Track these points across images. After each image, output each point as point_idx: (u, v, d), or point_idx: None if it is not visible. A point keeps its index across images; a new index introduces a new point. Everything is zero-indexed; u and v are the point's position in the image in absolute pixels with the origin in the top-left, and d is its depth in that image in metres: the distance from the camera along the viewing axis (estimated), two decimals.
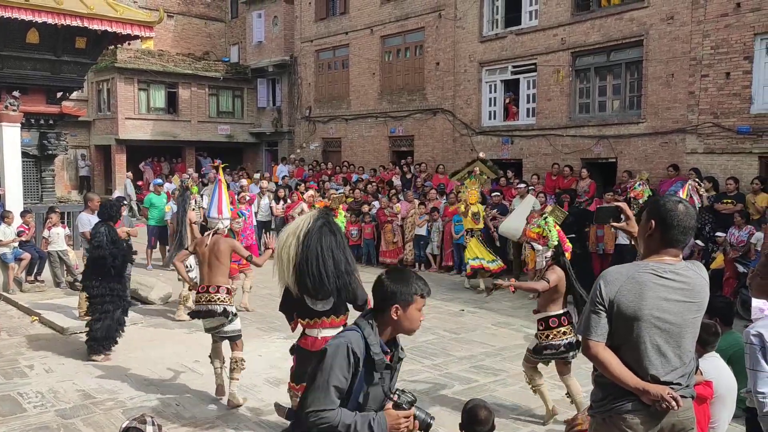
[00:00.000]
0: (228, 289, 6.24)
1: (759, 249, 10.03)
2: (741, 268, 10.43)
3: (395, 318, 2.69)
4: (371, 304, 2.83)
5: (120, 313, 7.65)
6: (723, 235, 10.57)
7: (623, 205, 3.17)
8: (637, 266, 2.88)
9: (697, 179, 10.90)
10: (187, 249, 7.20)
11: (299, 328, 5.00)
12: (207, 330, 6.29)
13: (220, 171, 7.60)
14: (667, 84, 13.45)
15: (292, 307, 4.94)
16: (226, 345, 6.30)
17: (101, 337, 7.43)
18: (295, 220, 5.35)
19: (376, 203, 15.15)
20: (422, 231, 13.98)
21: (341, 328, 4.76)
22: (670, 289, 2.78)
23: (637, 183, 11.74)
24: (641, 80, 14.01)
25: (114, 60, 23.69)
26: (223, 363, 6.28)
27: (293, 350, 5.04)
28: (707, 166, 12.63)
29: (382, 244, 14.63)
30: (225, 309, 6.08)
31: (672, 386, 2.76)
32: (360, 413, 2.59)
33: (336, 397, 2.57)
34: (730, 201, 11.29)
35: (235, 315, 6.23)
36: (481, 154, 14.45)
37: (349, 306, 4.86)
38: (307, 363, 4.96)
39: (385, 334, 2.73)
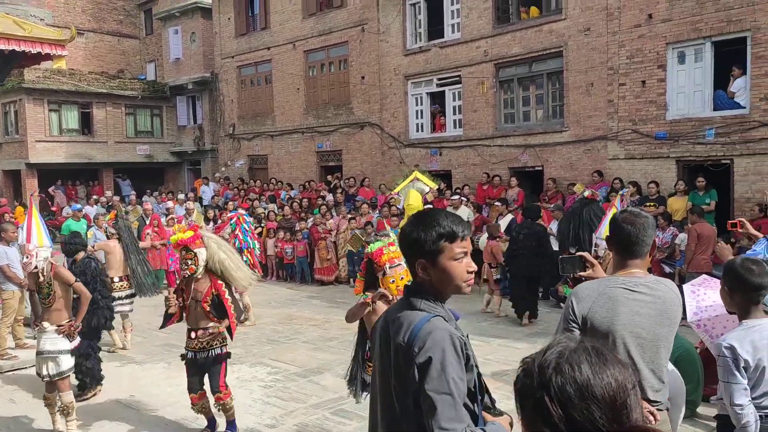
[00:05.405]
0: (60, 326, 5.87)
1: (683, 249, 10.46)
2: (667, 269, 10.84)
3: (425, 277, 2.17)
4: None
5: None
6: None
7: (585, 254, 3.19)
8: (607, 281, 2.86)
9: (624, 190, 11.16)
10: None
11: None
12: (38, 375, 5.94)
13: (33, 200, 7.34)
14: (587, 93, 13.90)
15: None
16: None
17: None
18: (216, 241, 5.75)
19: (310, 221, 14.91)
20: None
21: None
22: (641, 303, 2.76)
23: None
24: (563, 90, 14.43)
25: (21, 80, 22.46)
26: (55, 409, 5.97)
27: (223, 355, 5.72)
28: (629, 172, 13.10)
29: (316, 261, 14.39)
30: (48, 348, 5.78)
31: (652, 403, 2.74)
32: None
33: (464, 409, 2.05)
34: (652, 204, 11.74)
35: (65, 351, 5.85)
36: (416, 166, 14.55)
37: None
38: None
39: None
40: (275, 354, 8.68)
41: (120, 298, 8.80)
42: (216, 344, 5.60)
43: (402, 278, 4.48)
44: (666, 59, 12.61)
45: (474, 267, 2.24)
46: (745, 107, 11.77)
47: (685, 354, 5.45)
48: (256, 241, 11.26)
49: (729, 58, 11.97)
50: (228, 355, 5.73)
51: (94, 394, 7.10)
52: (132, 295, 9.04)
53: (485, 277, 11.05)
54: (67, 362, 5.85)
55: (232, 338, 5.69)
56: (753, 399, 3.09)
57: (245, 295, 10.65)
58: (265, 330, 10.08)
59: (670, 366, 4.70)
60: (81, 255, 7.34)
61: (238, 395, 6.97)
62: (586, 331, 2.76)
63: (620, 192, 9.81)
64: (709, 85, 12.26)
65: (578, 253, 3.21)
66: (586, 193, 9.91)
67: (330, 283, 14.07)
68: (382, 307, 4.02)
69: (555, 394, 1.25)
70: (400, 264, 4.26)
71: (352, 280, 13.94)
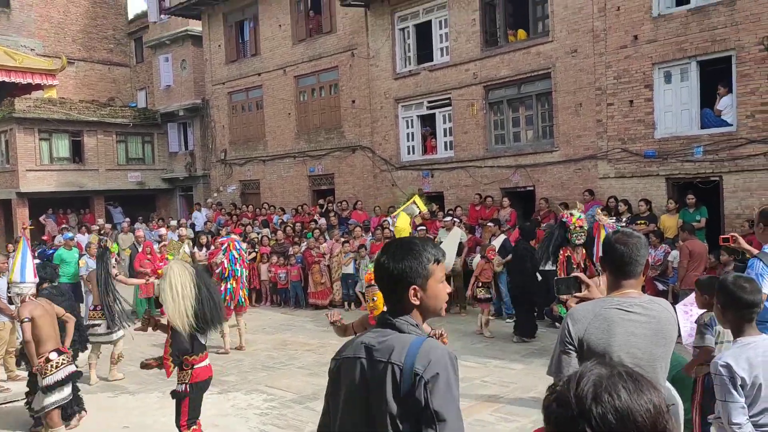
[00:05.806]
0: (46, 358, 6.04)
1: (675, 267, 10.51)
2: (660, 286, 10.88)
3: (416, 302, 2.24)
4: (377, 298, 2.51)
5: None
6: None
7: (581, 275, 3.20)
8: (602, 302, 2.87)
9: (603, 211, 11.19)
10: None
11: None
12: None
13: (24, 234, 7.35)
14: (576, 113, 14.03)
15: (185, 348, 5.27)
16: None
17: None
18: (169, 270, 5.42)
19: (304, 245, 14.90)
20: (349, 269, 13.83)
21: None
22: (637, 323, 2.77)
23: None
24: (552, 110, 14.56)
25: (12, 110, 22.39)
26: None
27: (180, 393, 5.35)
28: (619, 190, 13.18)
29: (309, 285, 14.36)
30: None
31: None
32: None
33: None
34: (643, 222, 11.81)
35: (41, 387, 5.96)
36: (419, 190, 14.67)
37: None
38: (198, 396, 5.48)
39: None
40: (271, 380, 8.62)
41: (97, 326, 8.72)
42: (180, 379, 5.38)
43: (374, 299, 4.49)
44: (652, 79, 12.76)
45: (450, 288, 2.34)
46: (732, 125, 11.91)
47: (682, 372, 5.43)
48: (244, 269, 11.14)
49: (714, 76, 12.14)
50: (183, 395, 5.36)
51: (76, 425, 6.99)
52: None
53: (477, 296, 11.06)
54: (46, 398, 5.87)
55: (167, 375, 5.36)
56: (750, 417, 3.09)
57: (240, 318, 10.58)
58: (260, 356, 10.02)
59: (667, 385, 4.72)
60: (44, 286, 7.46)
61: (233, 424, 6.93)
62: (582, 352, 2.76)
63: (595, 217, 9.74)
64: (696, 103, 12.41)
65: (573, 274, 3.21)
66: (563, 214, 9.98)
67: (324, 306, 14.01)
68: None
69: (597, 424, 1.24)
70: (374, 285, 4.27)
71: (346, 303, 13.92)
